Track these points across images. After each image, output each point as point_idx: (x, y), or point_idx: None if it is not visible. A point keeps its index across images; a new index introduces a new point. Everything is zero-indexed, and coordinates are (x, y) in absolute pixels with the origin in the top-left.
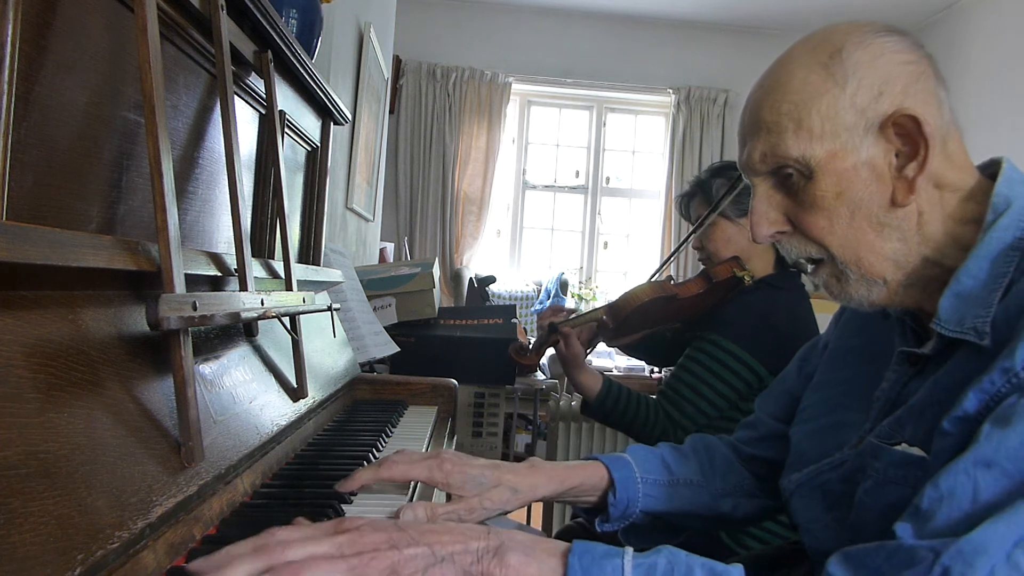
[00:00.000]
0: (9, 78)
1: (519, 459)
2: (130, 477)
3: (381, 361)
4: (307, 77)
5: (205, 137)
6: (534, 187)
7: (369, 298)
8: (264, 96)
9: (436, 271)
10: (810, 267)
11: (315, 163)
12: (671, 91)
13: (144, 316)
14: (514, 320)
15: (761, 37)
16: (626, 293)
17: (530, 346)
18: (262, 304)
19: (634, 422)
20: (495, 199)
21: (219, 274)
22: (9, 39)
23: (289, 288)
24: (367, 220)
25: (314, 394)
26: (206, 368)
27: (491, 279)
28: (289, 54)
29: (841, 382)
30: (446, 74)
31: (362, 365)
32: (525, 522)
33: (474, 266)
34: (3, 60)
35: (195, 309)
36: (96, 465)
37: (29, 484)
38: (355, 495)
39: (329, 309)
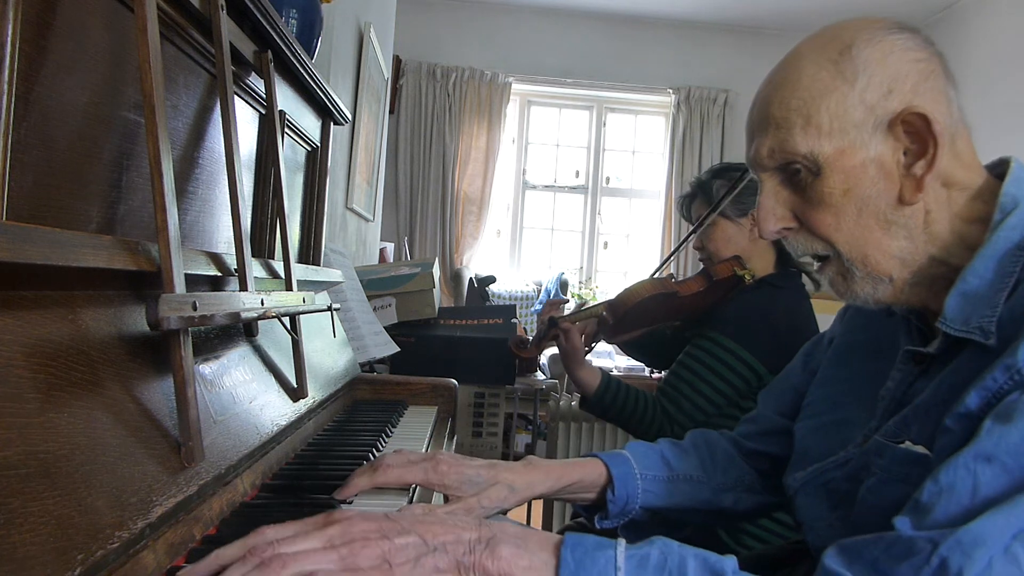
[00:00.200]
0: (9, 78)
1: (519, 459)
2: (130, 477)
3: (381, 361)
4: (307, 77)
5: (205, 137)
6: (534, 187)
7: (369, 298)
8: (264, 96)
9: (436, 271)
10: (816, 264)
11: (315, 163)
12: (671, 91)
13: (144, 316)
14: (514, 320)
15: (761, 37)
16: (627, 289)
17: (530, 340)
18: (262, 304)
19: (632, 418)
20: (495, 199)
21: (219, 274)
22: (9, 39)
23: (289, 288)
24: (367, 220)
25: (314, 394)
26: (206, 368)
27: (491, 279)
28: (289, 54)
29: (845, 379)
30: (446, 74)
31: (362, 365)
32: (525, 522)
33: (474, 266)
34: (3, 60)
35: (195, 309)
36: (96, 465)
37: (29, 484)
38: (356, 498)
39: (329, 309)
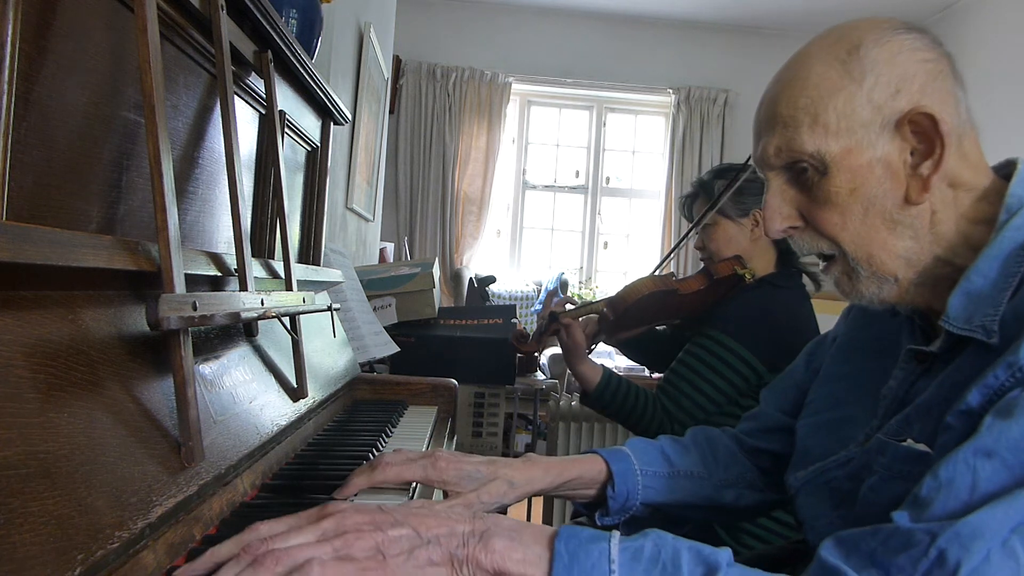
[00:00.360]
0: (9, 78)
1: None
2: (130, 477)
3: (381, 361)
4: (307, 77)
5: (205, 137)
6: (534, 187)
7: (369, 298)
8: (264, 96)
9: (436, 271)
10: (821, 264)
11: (315, 163)
12: (671, 91)
13: (144, 316)
14: (514, 320)
15: (761, 37)
16: (628, 285)
17: (531, 335)
18: (262, 304)
19: (632, 414)
20: (495, 199)
21: (219, 274)
22: (9, 39)
23: (289, 288)
24: (367, 220)
25: (314, 394)
26: (206, 368)
27: (491, 279)
28: (289, 54)
29: (847, 377)
30: (446, 74)
31: (362, 365)
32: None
33: (474, 266)
34: (3, 60)
35: (195, 309)
36: (96, 465)
37: (29, 484)
38: (355, 497)
39: (329, 309)
